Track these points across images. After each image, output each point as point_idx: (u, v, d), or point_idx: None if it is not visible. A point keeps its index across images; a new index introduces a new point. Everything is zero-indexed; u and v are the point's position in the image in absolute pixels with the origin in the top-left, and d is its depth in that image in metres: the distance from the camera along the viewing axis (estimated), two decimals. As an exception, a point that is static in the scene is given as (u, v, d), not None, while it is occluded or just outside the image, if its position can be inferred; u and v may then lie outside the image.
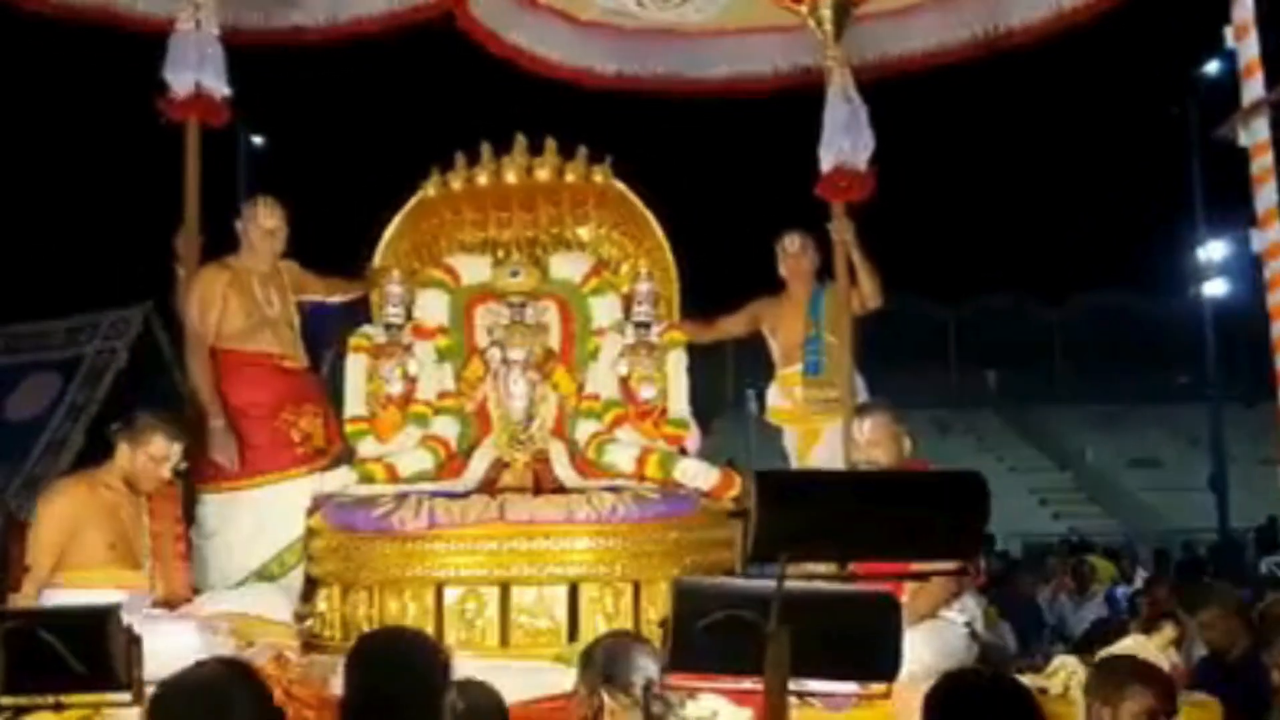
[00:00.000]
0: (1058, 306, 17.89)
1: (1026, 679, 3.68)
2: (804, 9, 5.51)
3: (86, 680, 2.82)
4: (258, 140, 16.62)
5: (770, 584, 2.75)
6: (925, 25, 6.20)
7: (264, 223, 5.29)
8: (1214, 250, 19.46)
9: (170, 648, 3.92)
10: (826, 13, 5.47)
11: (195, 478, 5.04)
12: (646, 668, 3.13)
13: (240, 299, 5.19)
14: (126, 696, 2.88)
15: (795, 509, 2.55)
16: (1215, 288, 19.64)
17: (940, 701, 2.52)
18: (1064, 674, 4.07)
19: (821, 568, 2.82)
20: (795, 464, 6.17)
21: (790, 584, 2.68)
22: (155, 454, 4.47)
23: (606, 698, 3.15)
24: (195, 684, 2.49)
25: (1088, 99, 14.70)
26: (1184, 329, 18.52)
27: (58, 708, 2.91)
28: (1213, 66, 18.00)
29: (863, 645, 2.78)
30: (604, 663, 3.19)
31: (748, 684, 2.81)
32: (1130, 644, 4.14)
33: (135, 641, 2.89)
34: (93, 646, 2.80)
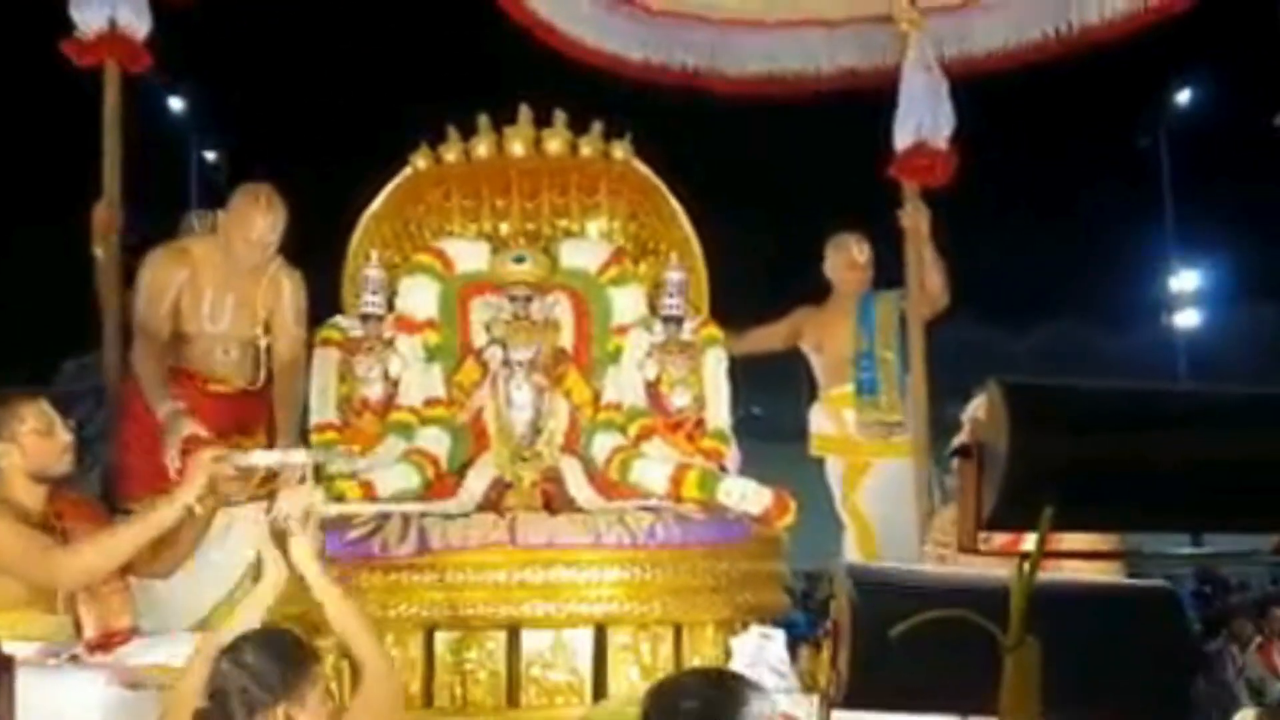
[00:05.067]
0: (1021, 338, 17.40)
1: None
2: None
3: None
4: (210, 156, 15.81)
5: (1001, 573, 1.83)
6: (990, 23, 5.43)
7: (253, 235, 4.32)
8: (1186, 280, 19.40)
9: (73, 704, 3.11)
10: (903, -37, 4.66)
11: (123, 491, 4.04)
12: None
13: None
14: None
15: (1070, 442, 1.63)
16: (1187, 318, 19.52)
17: None
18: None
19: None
20: (841, 502, 5.33)
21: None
22: (37, 426, 3.41)
23: None
24: None
25: (1054, 128, 14.38)
26: (1150, 360, 18.20)
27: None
28: (1184, 96, 17.92)
29: (1131, 669, 1.85)
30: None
31: (964, 727, 1.86)
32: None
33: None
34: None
